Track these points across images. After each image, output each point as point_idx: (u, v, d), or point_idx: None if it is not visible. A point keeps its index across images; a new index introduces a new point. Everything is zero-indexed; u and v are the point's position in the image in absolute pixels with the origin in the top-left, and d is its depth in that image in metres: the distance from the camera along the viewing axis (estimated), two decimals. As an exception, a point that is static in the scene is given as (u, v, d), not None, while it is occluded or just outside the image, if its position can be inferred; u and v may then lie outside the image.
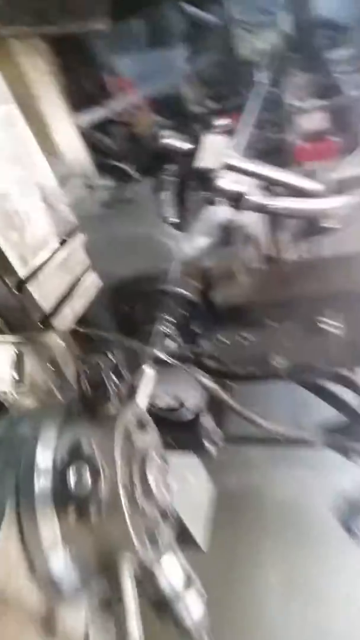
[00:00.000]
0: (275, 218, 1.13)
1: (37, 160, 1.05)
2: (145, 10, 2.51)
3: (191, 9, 2.47)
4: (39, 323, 1.00)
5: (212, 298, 1.25)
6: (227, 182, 0.84)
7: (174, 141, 0.83)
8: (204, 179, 0.83)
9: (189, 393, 1.41)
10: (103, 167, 1.96)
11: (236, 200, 0.85)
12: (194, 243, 1.34)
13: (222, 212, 1.37)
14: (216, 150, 0.83)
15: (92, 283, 1.16)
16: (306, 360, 1.12)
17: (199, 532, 1.58)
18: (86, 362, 0.88)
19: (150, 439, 0.88)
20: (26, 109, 1.62)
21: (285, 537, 2.12)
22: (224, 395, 1.21)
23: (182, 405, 1.36)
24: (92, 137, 2.19)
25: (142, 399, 1.20)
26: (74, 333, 1.39)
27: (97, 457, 0.65)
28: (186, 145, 0.83)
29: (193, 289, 1.30)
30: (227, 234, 1.29)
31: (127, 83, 2.43)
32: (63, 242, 1.11)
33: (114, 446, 0.66)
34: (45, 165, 1.07)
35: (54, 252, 1.05)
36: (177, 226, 0.94)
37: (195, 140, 0.83)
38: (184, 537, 1.47)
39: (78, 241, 1.15)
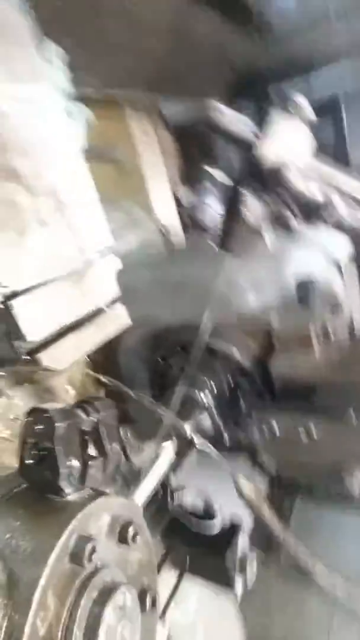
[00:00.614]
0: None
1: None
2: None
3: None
4: (24, 354, 0.75)
5: (272, 367, 0.92)
6: (306, 184, 0.55)
7: (234, 123, 0.56)
8: (272, 178, 0.55)
9: (225, 493, 1.03)
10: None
11: (317, 212, 0.54)
12: (262, 295, 1.04)
13: (304, 255, 1.07)
14: (293, 142, 0.56)
15: (116, 319, 0.91)
16: None
17: None
18: (34, 414, 0.60)
19: (137, 558, 0.55)
20: (128, 164, 1.68)
21: None
22: (267, 512, 0.82)
23: (210, 510, 0.99)
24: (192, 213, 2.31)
25: (143, 491, 0.86)
26: (96, 380, 1.13)
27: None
28: (249, 132, 0.56)
29: (248, 351, 0.98)
30: (307, 290, 0.97)
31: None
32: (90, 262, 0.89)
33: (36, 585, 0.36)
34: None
35: (71, 270, 0.83)
36: (224, 247, 0.65)
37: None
38: None
39: (110, 266, 0.93)
